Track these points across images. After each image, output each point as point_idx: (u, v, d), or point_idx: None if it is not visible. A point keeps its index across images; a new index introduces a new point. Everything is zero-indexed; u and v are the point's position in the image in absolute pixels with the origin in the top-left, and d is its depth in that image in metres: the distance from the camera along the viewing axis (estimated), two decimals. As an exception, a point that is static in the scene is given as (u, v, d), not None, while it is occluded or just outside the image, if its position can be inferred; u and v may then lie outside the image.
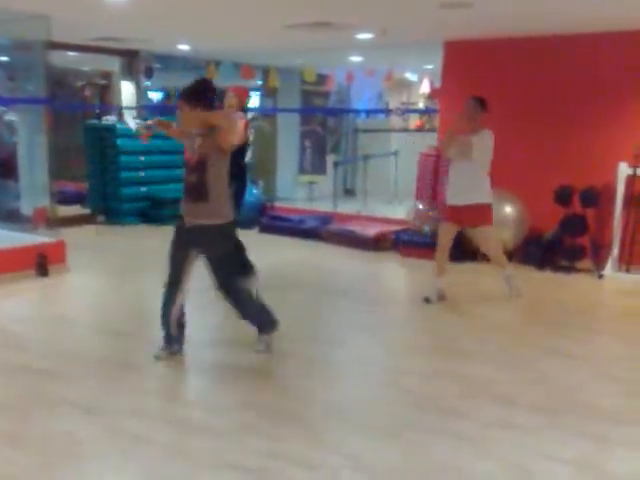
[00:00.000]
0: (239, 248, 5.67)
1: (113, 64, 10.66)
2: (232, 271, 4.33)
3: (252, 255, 7.08)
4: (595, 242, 7.01)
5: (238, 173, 5.53)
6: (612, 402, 3.82)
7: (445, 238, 5.87)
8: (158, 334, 4.93)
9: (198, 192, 4.05)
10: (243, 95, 6.12)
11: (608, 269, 6.85)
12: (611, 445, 3.31)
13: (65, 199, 9.08)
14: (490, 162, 5.68)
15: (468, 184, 5.62)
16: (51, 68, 7.16)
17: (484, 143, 5.56)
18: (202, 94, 4.06)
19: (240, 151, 5.52)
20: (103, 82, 13.06)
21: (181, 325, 4.43)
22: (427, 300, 5.85)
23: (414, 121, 13.49)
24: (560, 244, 7.13)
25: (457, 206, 5.70)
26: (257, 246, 8.14)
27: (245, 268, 5.73)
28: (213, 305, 4.87)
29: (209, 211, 4.08)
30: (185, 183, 4.16)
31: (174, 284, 4.31)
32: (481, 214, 5.70)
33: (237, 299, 4.31)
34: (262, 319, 4.46)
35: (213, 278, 4.22)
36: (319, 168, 12.52)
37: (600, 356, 4.62)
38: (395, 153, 11.67)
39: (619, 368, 4.36)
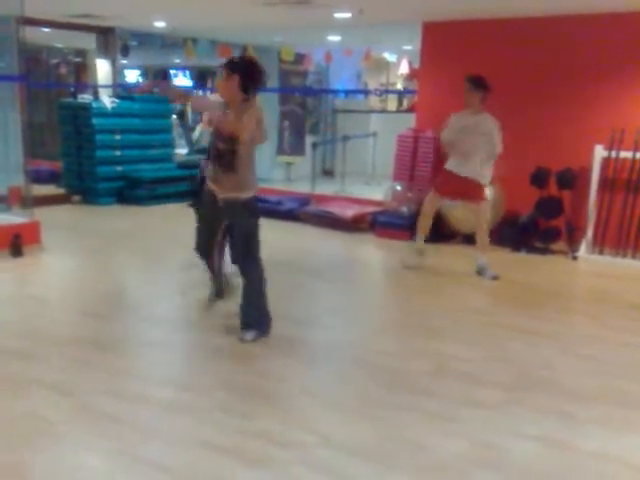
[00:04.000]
0: None
1: (89, 41, 10.49)
2: (253, 248, 4.31)
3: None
4: (570, 224, 7.09)
5: None
6: (581, 381, 3.88)
7: (430, 206, 6.26)
8: (132, 314, 4.94)
9: (227, 162, 4.16)
10: None
11: (582, 251, 6.93)
12: (579, 423, 3.37)
13: (39, 178, 8.97)
14: (498, 151, 5.97)
15: (470, 161, 5.90)
16: (25, 45, 7.03)
17: (487, 128, 5.87)
18: (250, 74, 4.12)
19: None
20: (78, 60, 12.88)
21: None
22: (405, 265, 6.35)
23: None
24: (535, 226, 7.20)
25: (453, 175, 5.99)
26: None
27: None
28: (194, 286, 4.87)
29: (237, 182, 4.20)
30: (215, 151, 4.23)
31: (208, 251, 4.55)
32: (473, 190, 5.97)
33: (252, 279, 4.30)
34: (264, 314, 4.37)
35: (233, 252, 4.36)
36: (297, 149, 12.47)
37: (570, 336, 4.69)
38: (374, 134, 11.66)
39: (589, 347, 4.43)
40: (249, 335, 4.28)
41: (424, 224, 6.30)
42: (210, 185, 4.32)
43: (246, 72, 4.09)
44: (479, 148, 5.87)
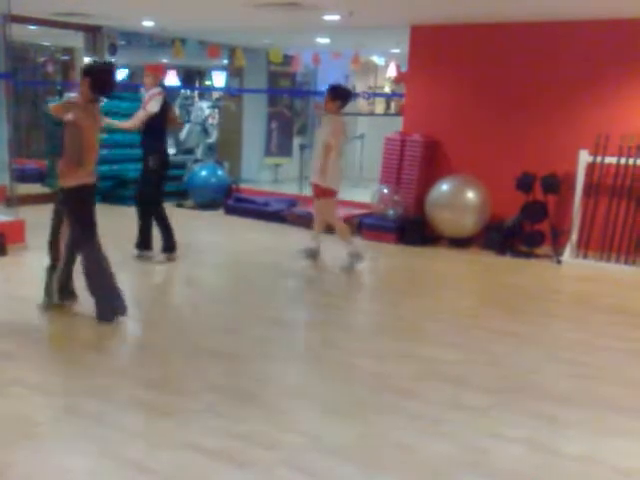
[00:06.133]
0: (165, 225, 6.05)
1: (76, 40, 10.43)
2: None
3: (217, 237, 7.05)
4: (555, 228, 7.14)
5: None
6: (565, 384, 3.92)
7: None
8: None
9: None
10: (158, 71, 6.47)
11: (566, 255, 6.98)
12: (563, 426, 3.40)
13: (25, 177, 8.91)
14: (334, 146, 6.40)
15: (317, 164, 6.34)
16: (11, 42, 6.99)
17: (329, 128, 6.37)
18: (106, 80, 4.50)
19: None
20: (66, 58, 12.81)
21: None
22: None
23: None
24: (520, 230, 7.25)
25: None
26: (222, 228, 8.13)
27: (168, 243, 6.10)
28: (171, 286, 4.85)
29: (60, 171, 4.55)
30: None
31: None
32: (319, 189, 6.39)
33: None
34: (105, 301, 4.56)
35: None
36: (285, 150, 12.46)
37: (553, 339, 4.73)
38: (361, 137, 11.68)
39: (571, 351, 4.47)
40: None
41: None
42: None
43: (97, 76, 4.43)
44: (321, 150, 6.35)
